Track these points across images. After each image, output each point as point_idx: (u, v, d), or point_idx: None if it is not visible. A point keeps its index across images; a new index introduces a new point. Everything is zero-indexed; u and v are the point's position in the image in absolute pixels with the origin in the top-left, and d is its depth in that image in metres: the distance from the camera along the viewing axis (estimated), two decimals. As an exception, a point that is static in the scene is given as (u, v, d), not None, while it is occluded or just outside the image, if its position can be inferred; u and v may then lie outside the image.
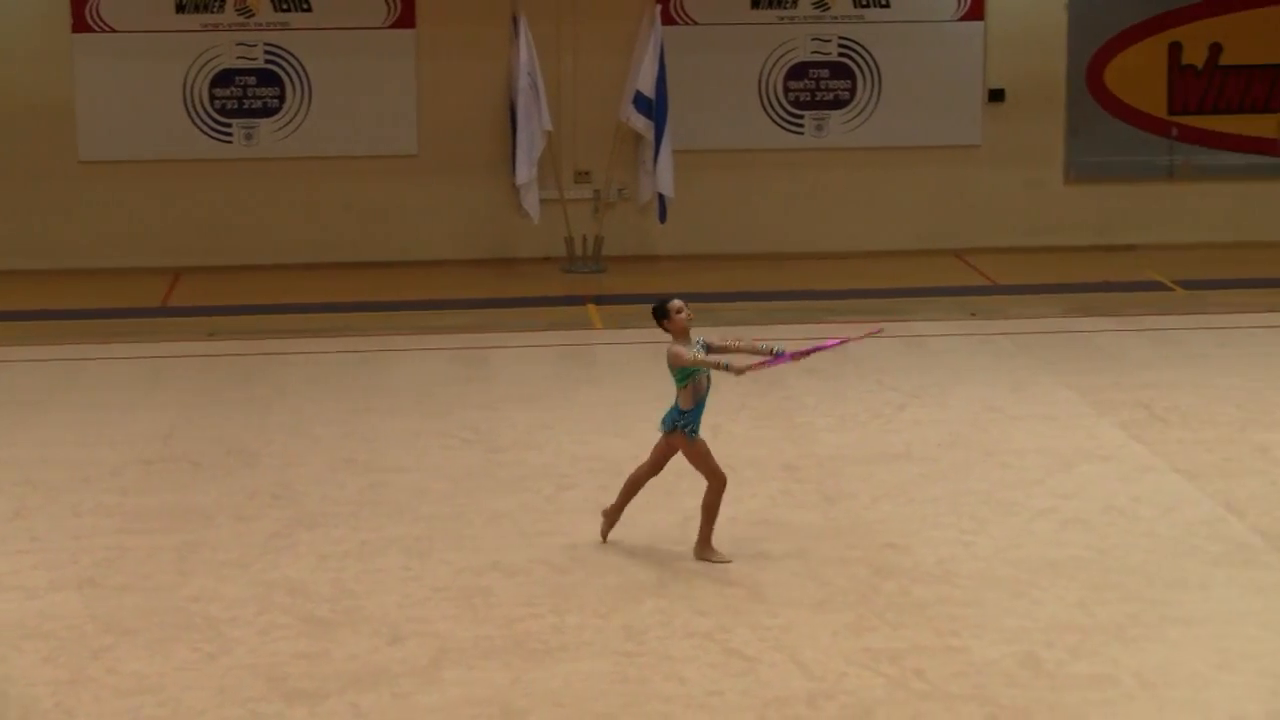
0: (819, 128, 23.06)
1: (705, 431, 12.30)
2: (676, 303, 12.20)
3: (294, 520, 13.26)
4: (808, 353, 12.10)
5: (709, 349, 12.12)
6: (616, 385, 16.91)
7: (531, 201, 21.83)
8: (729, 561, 12.26)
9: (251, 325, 19.64)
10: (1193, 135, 23.46)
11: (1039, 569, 12.22)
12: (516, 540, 12.83)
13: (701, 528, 12.41)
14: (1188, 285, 21.25)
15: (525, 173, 21.60)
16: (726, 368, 11.91)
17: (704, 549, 12.39)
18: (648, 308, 12.33)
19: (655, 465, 12.52)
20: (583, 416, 15.90)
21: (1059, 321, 19.41)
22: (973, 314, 19.86)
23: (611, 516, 12.69)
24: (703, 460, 12.28)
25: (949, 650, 10.92)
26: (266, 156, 22.42)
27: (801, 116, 22.99)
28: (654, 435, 12.51)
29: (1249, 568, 12.19)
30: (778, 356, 11.97)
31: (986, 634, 11.15)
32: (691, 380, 12.15)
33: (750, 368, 11.94)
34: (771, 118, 22.94)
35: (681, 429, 12.21)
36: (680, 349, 12.12)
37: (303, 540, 12.84)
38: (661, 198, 21.97)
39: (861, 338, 13.24)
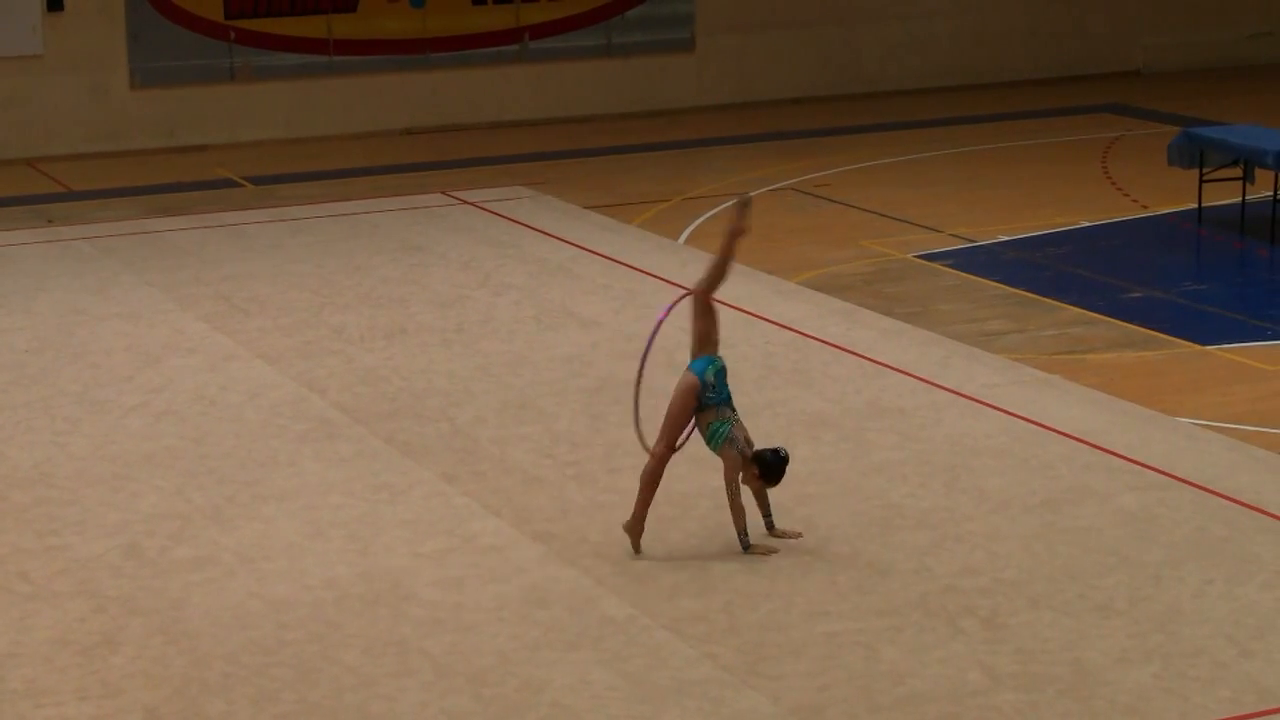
0: None
1: None
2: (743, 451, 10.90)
3: None
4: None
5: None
6: None
7: None
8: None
9: None
10: (249, 38, 24.06)
11: (135, 462, 12.59)
12: None
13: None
14: (257, 181, 21.92)
15: None
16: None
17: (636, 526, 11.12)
18: None
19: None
20: None
21: (137, 223, 19.67)
22: (50, 221, 19.83)
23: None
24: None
25: (51, 550, 11.17)
26: None
27: None
28: None
29: (332, 441, 12.97)
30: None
31: (88, 530, 11.47)
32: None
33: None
34: None
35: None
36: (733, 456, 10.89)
37: None
38: None
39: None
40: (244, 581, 10.71)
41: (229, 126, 23.98)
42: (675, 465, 12.35)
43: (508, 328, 15.59)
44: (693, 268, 17.38)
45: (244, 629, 10.09)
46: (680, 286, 16.69)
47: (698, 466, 12.34)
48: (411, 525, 11.48)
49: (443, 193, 20.84)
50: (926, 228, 18.78)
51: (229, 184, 21.83)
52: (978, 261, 17.59)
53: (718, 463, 12.39)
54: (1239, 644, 9.72)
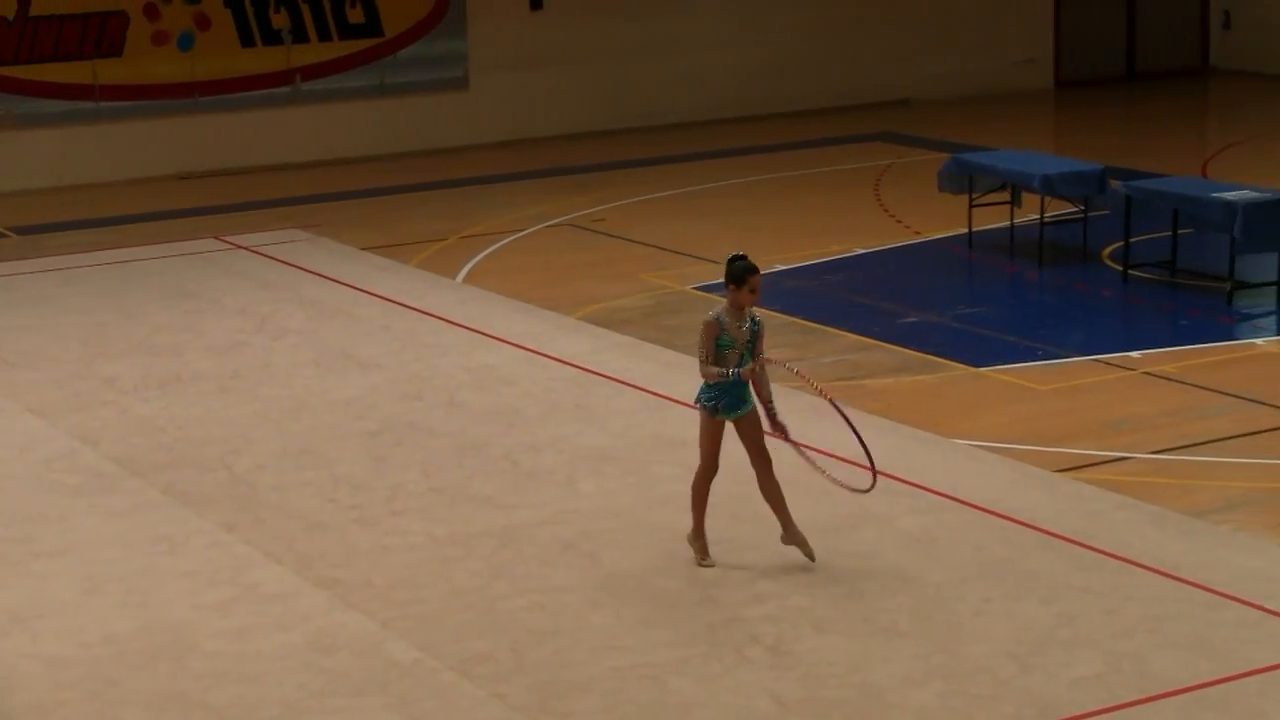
0: None
1: None
2: (757, 278, 10.99)
3: None
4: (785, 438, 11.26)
5: (756, 338, 11.10)
6: None
7: None
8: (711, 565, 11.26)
9: None
10: (11, 85, 23.60)
11: (-100, 524, 12.24)
12: None
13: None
14: (22, 231, 21.47)
15: None
16: (736, 375, 10.99)
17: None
18: None
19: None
20: None
21: (-102, 278, 19.20)
22: None
23: (698, 538, 11.33)
24: (707, 440, 11.12)
25: None
26: None
27: None
28: None
29: (107, 494, 12.70)
30: (776, 427, 11.21)
31: None
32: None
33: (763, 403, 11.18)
34: None
35: (703, 403, 11.08)
36: (712, 330, 10.95)
37: None
38: None
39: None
40: (16, 641, 10.45)
41: (-9, 176, 23.52)
42: (457, 505, 12.33)
43: (286, 372, 15.41)
44: (471, 305, 17.37)
45: (17, 691, 9.83)
46: (460, 325, 16.62)
47: (482, 506, 12.28)
48: (192, 576, 11.28)
49: (216, 238, 20.58)
50: (705, 259, 18.87)
51: (-6, 235, 21.42)
52: (756, 291, 17.69)
53: (503, 502, 12.39)
54: (1019, 660, 9.84)
